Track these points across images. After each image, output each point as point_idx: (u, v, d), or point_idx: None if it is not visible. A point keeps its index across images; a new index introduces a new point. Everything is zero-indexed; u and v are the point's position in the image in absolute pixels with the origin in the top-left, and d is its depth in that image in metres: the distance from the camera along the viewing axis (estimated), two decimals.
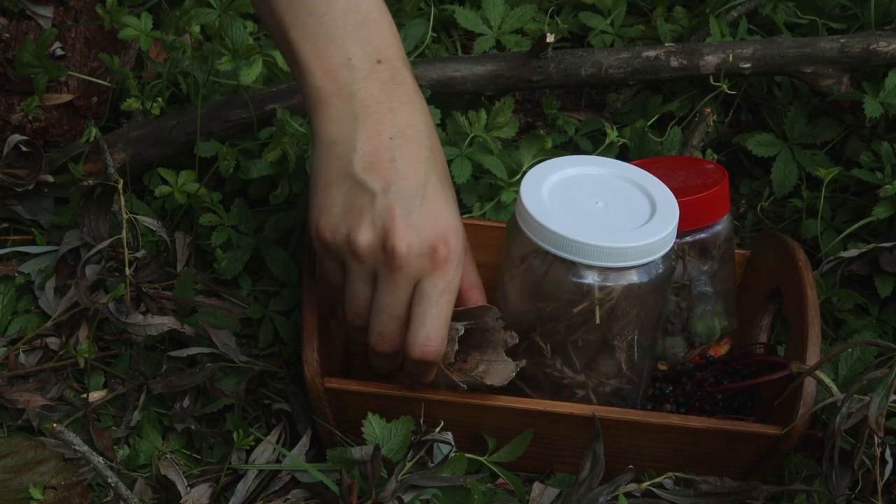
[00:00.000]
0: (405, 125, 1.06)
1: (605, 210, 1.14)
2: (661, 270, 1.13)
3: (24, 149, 1.36)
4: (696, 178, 1.25)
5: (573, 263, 1.11)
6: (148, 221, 1.26)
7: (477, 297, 1.13)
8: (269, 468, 1.18)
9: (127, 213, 1.24)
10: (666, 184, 1.18)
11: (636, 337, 1.17)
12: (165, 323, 1.25)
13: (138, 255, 1.25)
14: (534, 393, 1.19)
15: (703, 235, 1.24)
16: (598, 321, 1.13)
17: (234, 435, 1.20)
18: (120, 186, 1.25)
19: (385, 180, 1.04)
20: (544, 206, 1.13)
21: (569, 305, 1.13)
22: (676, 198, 1.17)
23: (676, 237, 1.16)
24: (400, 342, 1.08)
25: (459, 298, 1.09)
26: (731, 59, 1.43)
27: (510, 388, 1.20)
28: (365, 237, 1.05)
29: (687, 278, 1.24)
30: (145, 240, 1.33)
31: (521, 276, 1.15)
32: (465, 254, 1.10)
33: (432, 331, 1.06)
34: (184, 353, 1.27)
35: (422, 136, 1.07)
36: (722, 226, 1.24)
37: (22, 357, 1.27)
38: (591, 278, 1.12)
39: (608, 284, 1.12)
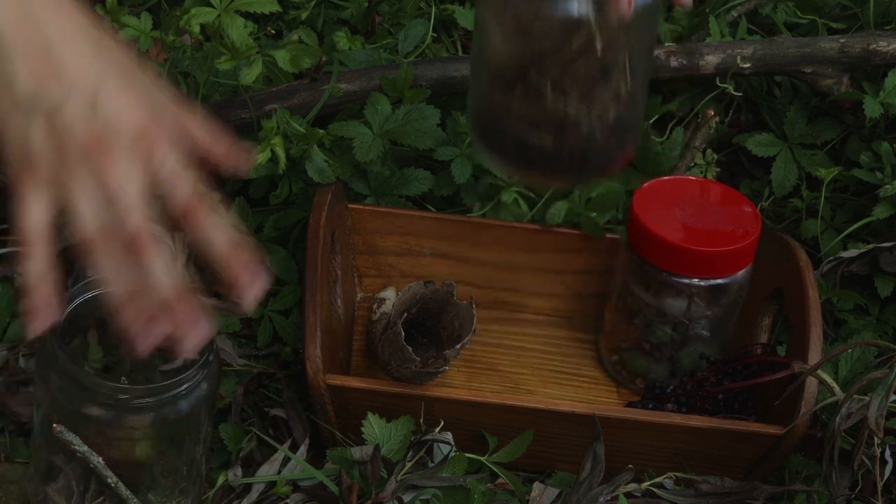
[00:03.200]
0: (57, 31, 0.94)
1: None
2: None
3: None
4: (729, 222, 1.24)
5: None
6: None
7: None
8: (268, 479, 1.18)
9: None
10: (698, 216, 1.21)
11: (631, 61, 1.08)
12: None
13: None
14: (536, 139, 1.11)
15: (718, 282, 1.24)
16: (598, 52, 1.05)
17: (229, 444, 1.20)
18: None
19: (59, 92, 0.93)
20: None
21: (565, 38, 1.06)
22: (703, 245, 1.19)
23: (691, 279, 1.18)
24: None
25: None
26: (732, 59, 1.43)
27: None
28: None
29: (687, 318, 1.24)
30: None
31: (506, 23, 1.07)
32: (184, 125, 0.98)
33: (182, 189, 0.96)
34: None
35: (82, 36, 0.95)
36: (740, 275, 1.23)
37: (22, 362, 1.27)
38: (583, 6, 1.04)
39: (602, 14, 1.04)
